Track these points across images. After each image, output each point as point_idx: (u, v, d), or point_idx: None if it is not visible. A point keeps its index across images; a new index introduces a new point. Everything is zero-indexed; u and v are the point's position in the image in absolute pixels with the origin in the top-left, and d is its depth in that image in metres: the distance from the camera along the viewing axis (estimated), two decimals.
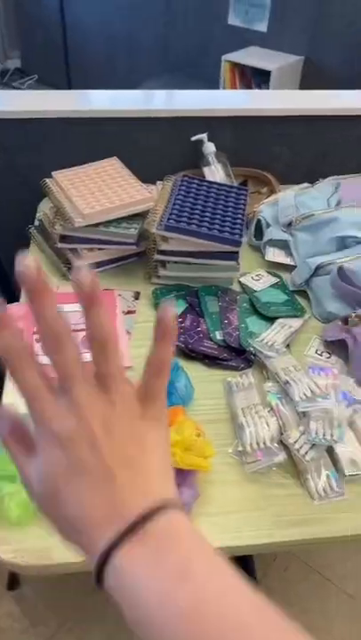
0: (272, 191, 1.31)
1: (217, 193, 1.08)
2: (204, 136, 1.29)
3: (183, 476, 0.68)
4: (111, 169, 1.13)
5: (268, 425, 0.75)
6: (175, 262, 1.02)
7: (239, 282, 1.06)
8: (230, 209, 1.05)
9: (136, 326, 0.96)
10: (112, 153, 1.24)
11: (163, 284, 1.04)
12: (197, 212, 1.01)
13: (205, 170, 1.29)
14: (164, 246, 0.99)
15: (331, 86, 2.56)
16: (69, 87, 3.84)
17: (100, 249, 1.05)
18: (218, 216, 1.01)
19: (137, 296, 1.02)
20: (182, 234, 0.96)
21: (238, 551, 0.67)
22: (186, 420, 0.72)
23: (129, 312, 0.98)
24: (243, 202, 1.07)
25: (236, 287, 1.06)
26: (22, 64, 4.30)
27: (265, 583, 1.39)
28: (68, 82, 3.87)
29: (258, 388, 0.82)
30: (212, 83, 3.14)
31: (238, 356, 0.90)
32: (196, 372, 0.86)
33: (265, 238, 1.13)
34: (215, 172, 1.29)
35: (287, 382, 0.79)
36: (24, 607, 1.32)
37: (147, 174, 1.13)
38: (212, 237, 0.96)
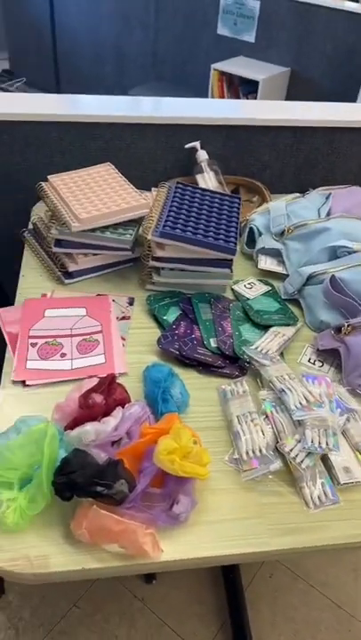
0: (263, 200, 1.32)
1: (211, 200, 1.09)
2: (197, 144, 1.30)
3: (181, 483, 0.68)
4: (106, 174, 1.13)
5: (263, 433, 0.76)
6: (170, 269, 1.02)
7: (232, 289, 1.07)
8: (224, 217, 1.05)
9: (130, 332, 0.95)
10: (104, 158, 1.24)
11: (157, 291, 1.04)
12: (192, 219, 1.02)
13: (198, 177, 1.30)
14: (159, 253, 0.99)
15: (315, 98, 2.62)
16: (58, 91, 3.82)
17: (94, 254, 1.04)
18: (212, 224, 1.02)
19: (131, 302, 1.02)
20: (178, 240, 0.96)
21: (234, 559, 0.67)
22: (183, 427, 0.72)
23: (123, 318, 0.98)
24: (236, 210, 1.08)
25: (228, 295, 1.06)
26: (10, 65, 4.27)
27: (251, 590, 1.39)
28: (57, 86, 3.86)
29: (252, 395, 0.83)
30: (200, 91, 3.17)
31: (232, 363, 0.90)
32: (190, 380, 0.86)
33: (257, 246, 1.14)
34: (208, 180, 1.30)
35: (282, 390, 0.79)
36: (10, 615, 1.30)
37: (139, 180, 1.13)
38: (207, 245, 0.96)
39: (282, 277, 1.10)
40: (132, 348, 0.92)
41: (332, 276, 0.98)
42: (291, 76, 2.96)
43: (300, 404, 0.77)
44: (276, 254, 1.14)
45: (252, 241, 1.18)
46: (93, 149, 1.27)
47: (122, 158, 1.30)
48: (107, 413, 0.76)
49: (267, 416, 0.79)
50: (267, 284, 1.10)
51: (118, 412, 0.75)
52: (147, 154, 1.32)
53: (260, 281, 1.10)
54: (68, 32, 3.71)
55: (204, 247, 0.97)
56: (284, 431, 0.76)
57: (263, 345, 0.92)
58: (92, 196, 1.05)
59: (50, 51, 3.79)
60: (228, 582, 1.40)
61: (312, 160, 1.41)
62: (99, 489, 0.63)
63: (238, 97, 3.08)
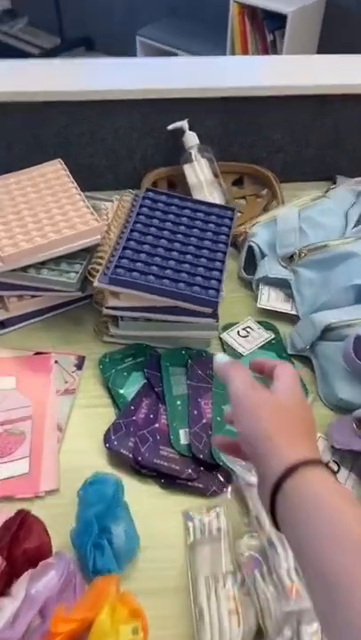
0: (274, 195, 1.01)
1: (192, 216, 0.79)
2: (184, 123, 0.98)
3: None
4: (53, 177, 0.84)
5: (238, 615, 0.51)
6: (132, 319, 0.74)
7: (220, 338, 0.79)
8: (208, 241, 0.76)
9: (74, 413, 0.70)
10: (62, 149, 0.94)
11: (116, 343, 0.77)
12: (161, 249, 0.73)
13: (186, 168, 0.99)
14: (112, 302, 0.71)
15: (357, 34, 2.12)
16: (61, 31, 3.41)
17: (32, 296, 0.78)
18: (190, 255, 0.73)
19: (80, 364, 0.75)
20: (134, 289, 0.68)
21: None
22: (118, 605, 0.48)
23: (66, 391, 0.72)
24: (226, 230, 0.78)
25: (215, 346, 0.79)
26: (12, 4, 3.85)
27: None
28: (59, 25, 3.43)
29: (229, 538, 0.57)
30: (219, 28, 2.71)
31: (209, 471, 0.64)
32: (147, 499, 0.62)
33: (258, 274, 0.85)
34: (199, 172, 0.99)
35: (272, 543, 0.53)
36: None
37: (110, 173, 0.84)
38: (176, 295, 0.68)
39: (291, 318, 0.81)
40: (72, 441, 0.67)
41: (358, 334, 0.68)
42: (326, 7, 2.47)
43: (296, 571, 0.51)
44: (283, 284, 0.84)
45: (252, 264, 0.88)
46: (46, 138, 0.97)
47: (85, 147, 0.99)
48: (10, 576, 0.52)
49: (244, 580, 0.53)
50: (269, 328, 0.81)
51: (21, 587, 0.51)
52: (118, 140, 1.00)
53: (261, 324, 0.82)
54: None
55: (171, 298, 0.68)
56: (269, 609, 0.51)
57: None
58: (28, 215, 0.77)
59: None
60: None
61: (340, 138, 1.06)
62: None
63: (263, 33, 2.62)
